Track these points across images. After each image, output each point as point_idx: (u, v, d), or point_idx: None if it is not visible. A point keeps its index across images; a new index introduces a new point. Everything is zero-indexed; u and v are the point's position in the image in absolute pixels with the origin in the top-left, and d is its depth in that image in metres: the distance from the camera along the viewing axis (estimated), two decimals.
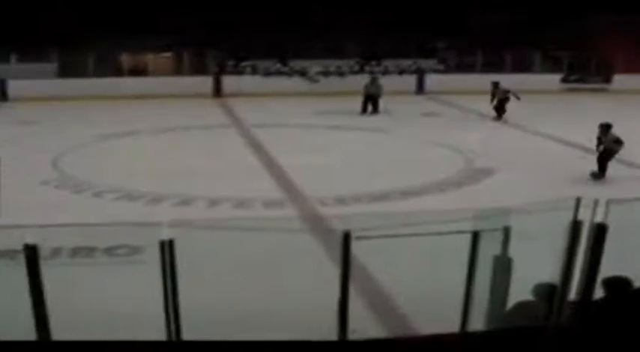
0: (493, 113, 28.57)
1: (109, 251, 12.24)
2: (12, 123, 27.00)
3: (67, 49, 34.77)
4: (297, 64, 37.98)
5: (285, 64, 38.07)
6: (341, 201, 16.08)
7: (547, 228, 7.05)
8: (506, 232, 7.40)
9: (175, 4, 36.32)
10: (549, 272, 6.87)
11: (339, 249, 6.73)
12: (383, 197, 16.41)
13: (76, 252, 12.09)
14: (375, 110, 30.11)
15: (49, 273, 6.33)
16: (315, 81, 36.97)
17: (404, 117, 29.13)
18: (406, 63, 39.23)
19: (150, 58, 39.21)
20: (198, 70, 38.08)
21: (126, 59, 39.20)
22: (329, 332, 6.81)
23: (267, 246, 10.25)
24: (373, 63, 38.77)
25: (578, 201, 6.55)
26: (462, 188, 17.52)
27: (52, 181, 17.86)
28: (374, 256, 9.46)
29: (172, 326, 6.60)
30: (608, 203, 6.43)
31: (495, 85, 29.28)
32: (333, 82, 36.56)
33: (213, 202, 15.90)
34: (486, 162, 19.90)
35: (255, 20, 36.64)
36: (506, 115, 28.27)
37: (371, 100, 30.24)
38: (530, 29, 37.91)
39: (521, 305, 7.31)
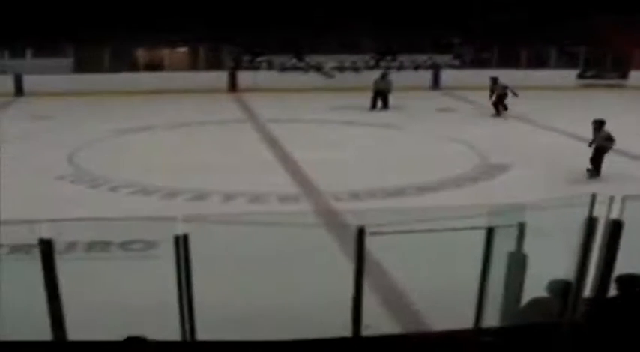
0: (506, 107, 28.27)
1: (124, 245, 12.30)
2: (28, 118, 27.12)
3: (83, 44, 34.87)
4: (312, 59, 37.92)
5: (300, 59, 38.02)
6: (355, 196, 16.07)
7: (562, 225, 7.03)
8: (521, 228, 7.38)
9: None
10: (564, 268, 6.86)
11: (353, 245, 6.72)
12: (397, 192, 16.39)
13: (91, 246, 12.16)
14: (386, 106, 30.01)
15: (64, 267, 6.35)
16: (331, 76, 36.91)
17: (419, 113, 29.08)
18: (422, 58, 39.15)
19: (165, 53, 39.24)
20: (214, 65, 38.11)
21: (141, 54, 39.26)
22: (343, 327, 6.81)
23: (281, 241, 10.25)
24: (389, 58, 38.69)
25: (593, 197, 6.53)
26: (476, 184, 17.47)
27: (67, 176, 17.92)
28: (388, 252, 9.45)
29: (186, 321, 6.61)
30: (623, 199, 6.41)
31: (494, 80, 29.05)
32: (349, 78, 36.48)
33: (228, 197, 15.93)
34: (501, 157, 19.83)
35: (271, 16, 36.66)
36: (506, 111, 28.02)
37: (381, 96, 30.13)
38: (534, 27, 37.82)
39: (536, 302, 7.29)
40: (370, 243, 6.68)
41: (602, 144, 17.91)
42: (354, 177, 17.68)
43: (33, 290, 6.49)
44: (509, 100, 28.02)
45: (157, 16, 34.76)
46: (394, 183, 17.07)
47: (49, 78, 33.66)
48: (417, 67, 38.52)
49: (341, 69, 37.39)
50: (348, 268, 7.00)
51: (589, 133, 18.17)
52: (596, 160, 17.87)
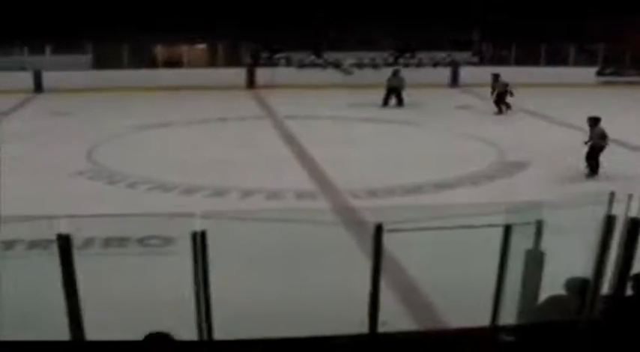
0: (509, 106, 28.04)
1: (142, 241, 12.34)
2: (47, 114, 27.27)
3: (102, 41, 35.00)
4: (331, 56, 37.96)
5: (319, 56, 38.06)
6: (373, 193, 16.06)
7: (580, 222, 7.00)
8: (539, 226, 7.35)
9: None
10: (582, 266, 6.82)
11: (370, 242, 6.72)
12: (415, 190, 16.36)
13: (108, 242, 12.20)
14: (400, 103, 29.93)
15: (81, 263, 6.37)
16: (349, 73, 36.90)
17: (437, 110, 29.01)
18: (440, 55, 39.09)
19: (184, 50, 39.32)
20: (232, 61, 38.20)
21: (160, 51, 39.38)
22: (360, 324, 6.80)
23: (299, 237, 10.27)
24: (407, 55, 38.66)
25: (612, 195, 6.48)
26: (494, 181, 17.42)
27: (86, 172, 18.00)
28: (406, 249, 9.44)
29: (203, 317, 6.61)
30: None
31: (495, 77, 28.92)
32: (367, 74, 36.40)
33: (246, 193, 15.95)
34: (519, 155, 19.77)
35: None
36: (510, 110, 27.92)
37: (394, 93, 30.07)
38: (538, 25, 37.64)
39: (554, 300, 7.26)
40: (388, 240, 6.66)
41: (596, 142, 17.74)
42: (371, 174, 17.66)
43: (51, 286, 6.51)
44: (515, 99, 27.94)
45: (175, 14, 34.82)
46: (412, 180, 17.04)
47: (68, 74, 33.86)
48: (435, 64, 38.47)
49: (359, 66, 37.39)
50: (365, 265, 6.99)
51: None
52: (592, 160, 17.73)
